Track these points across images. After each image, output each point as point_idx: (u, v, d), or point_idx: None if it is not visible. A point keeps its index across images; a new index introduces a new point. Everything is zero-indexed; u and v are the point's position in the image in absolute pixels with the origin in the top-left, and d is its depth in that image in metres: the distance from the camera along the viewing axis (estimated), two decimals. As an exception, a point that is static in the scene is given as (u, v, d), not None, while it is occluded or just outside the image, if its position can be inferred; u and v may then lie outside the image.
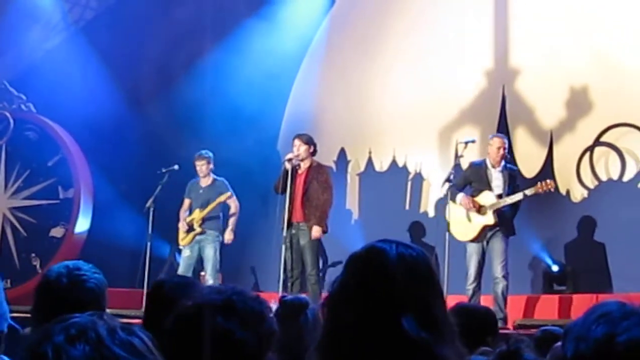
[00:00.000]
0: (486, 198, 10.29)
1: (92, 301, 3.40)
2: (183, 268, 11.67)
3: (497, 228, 10.21)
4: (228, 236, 11.74)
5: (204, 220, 11.73)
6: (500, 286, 10.09)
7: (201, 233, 11.70)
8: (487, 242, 10.27)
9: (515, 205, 10.32)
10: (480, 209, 10.27)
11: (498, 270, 10.11)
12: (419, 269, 2.14)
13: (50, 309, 3.18)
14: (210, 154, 11.93)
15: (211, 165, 11.90)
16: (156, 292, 4.09)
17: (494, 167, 10.38)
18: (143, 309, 4.45)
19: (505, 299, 10.13)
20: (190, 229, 11.76)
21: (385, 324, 2.01)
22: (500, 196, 10.24)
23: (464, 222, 10.36)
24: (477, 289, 10.22)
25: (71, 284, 3.44)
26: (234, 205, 11.85)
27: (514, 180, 10.46)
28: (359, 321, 2.02)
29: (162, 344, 1.74)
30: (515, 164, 11.50)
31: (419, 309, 2.05)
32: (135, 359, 1.60)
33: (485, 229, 10.22)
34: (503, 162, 10.42)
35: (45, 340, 1.60)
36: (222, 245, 11.87)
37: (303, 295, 4.19)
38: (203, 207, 11.74)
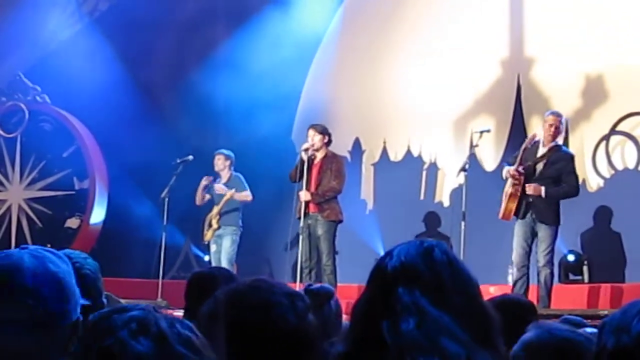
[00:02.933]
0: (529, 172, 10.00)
1: (90, 287, 3.37)
2: (214, 262, 11.80)
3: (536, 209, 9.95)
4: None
5: (220, 215, 11.79)
6: (542, 275, 9.88)
7: (218, 228, 11.79)
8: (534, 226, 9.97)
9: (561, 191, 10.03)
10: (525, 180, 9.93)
11: (539, 258, 9.89)
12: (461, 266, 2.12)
13: None
14: (231, 154, 12.01)
15: (228, 162, 11.96)
16: (194, 284, 4.10)
17: (544, 145, 10.09)
18: (184, 301, 4.42)
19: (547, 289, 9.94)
20: (210, 225, 11.86)
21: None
22: (519, 171, 9.87)
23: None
24: (521, 277, 9.91)
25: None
26: (245, 196, 11.88)
27: (560, 161, 9.96)
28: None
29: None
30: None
31: (467, 309, 2.04)
32: (195, 356, 1.59)
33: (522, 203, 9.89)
34: (555, 142, 10.00)
35: (109, 335, 1.58)
36: (241, 238, 11.93)
37: (327, 285, 4.18)
38: (218, 204, 11.84)
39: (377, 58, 14.21)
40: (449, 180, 13.10)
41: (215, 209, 11.83)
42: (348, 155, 13.81)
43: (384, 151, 14.13)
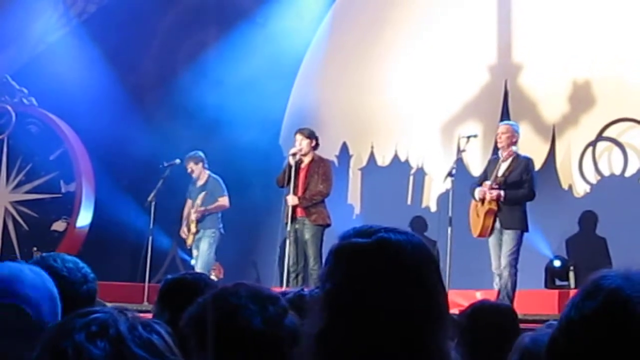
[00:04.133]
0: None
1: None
2: (197, 268, 11.74)
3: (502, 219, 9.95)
4: (198, 211, 11.74)
5: (199, 220, 11.76)
6: (504, 277, 9.92)
7: (197, 232, 11.75)
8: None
9: (518, 196, 10.01)
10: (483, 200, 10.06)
11: (502, 261, 9.93)
12: (432, 258, 2.09)
13: None
14: (199, 154, 11.96)
15: (199, 164, 11.92)
16: (169, 289, 4.10)
17: (502, 156, 10.11)
18: (154, 306, 4.43)
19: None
20: (189, 230, 11.83)
21: (397, 319, 1.96)
22: (492, 187, 9.94)
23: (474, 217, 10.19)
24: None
25: (83, 276, 3.43)
26: (221, 201, 11.84)
27: (518, 167, 10.01)
28: (369, 315, 1.97)
29: (181, 337, 1.73)
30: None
31: (432, 300, 2.01)
32: (154, 359, 1.58)
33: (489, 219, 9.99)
34: (513, 151, 10.10)
35: (66, 337, 1.58)
36: (220, 240, 11.89)
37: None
38: (194, 200, 11.81)
39: (364, 63, 14.22)
40: (436, 185, 13.12)
41: (194, 216, 11.77)
42: (335, 160, 13.82)
43: (372, 156, 14.15)
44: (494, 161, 10.21)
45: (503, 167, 10.01)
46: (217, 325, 2.31)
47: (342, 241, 2.08)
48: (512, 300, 9.76)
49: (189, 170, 11.96)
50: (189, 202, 12.00)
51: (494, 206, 9.87)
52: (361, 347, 1.94)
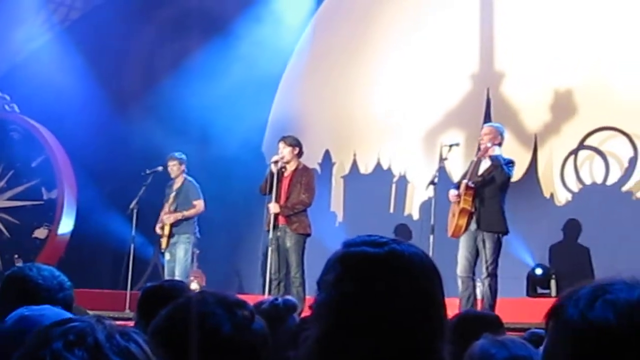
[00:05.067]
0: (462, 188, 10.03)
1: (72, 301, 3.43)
2: (167, 272, 11.69)
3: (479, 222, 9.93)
4: (173, 216, 11.72)
5: (174, 224, 11.73)
6: (485, 286, 9.89)
7: (172, 235, 11.70)
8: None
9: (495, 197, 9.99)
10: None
11: (483, 270, 9.88)
12: (434, 269, 2.11)
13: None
14: (183, 156, 11.94)
15: (183, 167, 11.90)
16: (147, 298, 4.12)
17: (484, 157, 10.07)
18: (134, 314, 4.44)
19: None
20: (164, 233, 11.79)
21: (398, 329, 1.98)
22: (469, 186, 9.91)
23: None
24: (466, 289, 9.87)
25: (58, 284, 3.45)
26: (197, 206, 11.80)
27: (490, 165, 9.86)
28: (371, 324, 1.98)
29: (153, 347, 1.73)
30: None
31: (433, 311, 2.03)
32: None
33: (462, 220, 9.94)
34: (492, 150, 10.03)
35: (44, 346, 1.58)
36: (195, 245, 11.87)
37: (292, 298, 4.17)
38: (169, 202, 11.78)
39: (347, 71, 14.25)
40: (419, 193, 13.14)
41: (168, 217, 11.74)
42: (318, 168, 13.83)
43: (354, 164, 14.17)
44: (476, 162, 10.11)
45: (483, 166, 9.96)
46: (185, 333, 2.31)
47: (349, 249, 2.08)
48: (493, 309, 9.74)
49: (169, 168, 11.90)
50: (167, 205, 11.96)
51: (468, 206, 9.82)
52: (362, 355, 1.96)
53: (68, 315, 2.46)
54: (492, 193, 9.84)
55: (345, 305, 2.00)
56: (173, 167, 11.89)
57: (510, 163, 9.99)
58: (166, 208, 11.83)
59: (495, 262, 9.80)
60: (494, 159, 9.80)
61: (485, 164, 9.92)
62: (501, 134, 10.12)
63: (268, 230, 10.73)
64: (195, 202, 11.79)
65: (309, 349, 2.03)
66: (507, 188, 9.94)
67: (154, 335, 2.36)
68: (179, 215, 11.68)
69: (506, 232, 9.90)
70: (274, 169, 10.72)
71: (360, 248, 2.07)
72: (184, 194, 11.80)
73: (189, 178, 11.94)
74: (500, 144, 10.02)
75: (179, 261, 11.62)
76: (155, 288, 4.27)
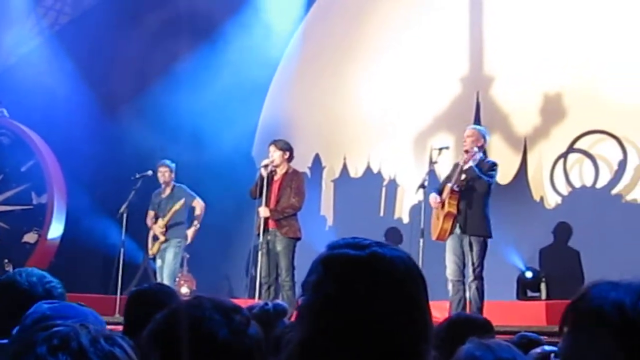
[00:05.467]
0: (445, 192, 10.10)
1: None
2: (159, 277, 11.67)
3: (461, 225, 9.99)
4: (190, 234, 11.72)
5: (167, 228, 11.72)
6: (472, 289, 9.92)
7: (165, 241, 11.70)
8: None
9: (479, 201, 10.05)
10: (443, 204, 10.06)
11: (469, 273, 9.91)
12: (417, 271, 2.10)
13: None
14: (173, 165, 11.94)
15: (172, 175, 11.90)
16: (134, 301, 4.11)
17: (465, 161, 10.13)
18: (123, 317, 4.43)
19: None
20: (156, 238, 11.78)
21: (382, 331, 1.98)
22: (453, 189, 9.97)
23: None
24: (457, 293, 9.93)
25: (45, 291, 3.44)
26: (198, 206, 11.84)
27: (478, 168, 9.92)
28: (355, 327, 1.97)
29: (142, 352, 1.73)
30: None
31: (416, 313, 2.02)
32: None
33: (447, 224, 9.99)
34: (475, 155, 10.01)
35: (28, 351, 1.58)
36: (186, 250, 11.87)
37: (282, 303, 4.17)
38: (165, 216, 11.76)
39: (336, 75, 14.26)
40: (409, 196, 13.14)
41: (161, 222, 11.74)
42: (308, 171, 13.83)
43: (344, 167, 14.17)
44: (460, 166, 10.13)
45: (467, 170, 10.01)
46: (183, 338, 2.31)
47: (332, 251, 2.08)
48: (481, 311, 9.77)
49: (159, 174, 11.90)
50: (151, 213, 11.94)
51: (453, 209, 9.88)
52: (345, 358, 1.95)
53: (87, 311, 2.52)
54: (477, 197, 9.90)
55: (326, 307, 1.99)
56: (165, 174, 11.89)
57: (493, 166, 10.07)
58: (152, 218, 11.82)
59: (481, 265, 9.87)
60: (471, 172, 9.86)
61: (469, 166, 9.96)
62: (484, 137, 10.20)
63: (258, 234, 10.74)
64: (194, 203, 11.79)
65: (291, 352, 2.03)
66: (491, 192, 10.00)
67: (149, 339, 2.36)
68: (182, 203, 11.65)
69: (490, 236, 9.97)
70: (264, 172, 10.72)
71: (343, 250, 2.06)
72: (176, 199, 11.78)
73: (177, 184, 11.94)
74: (482, 147, 10.10)
75: (167, 264, 11.62)
76: (142, 291, 4.27)
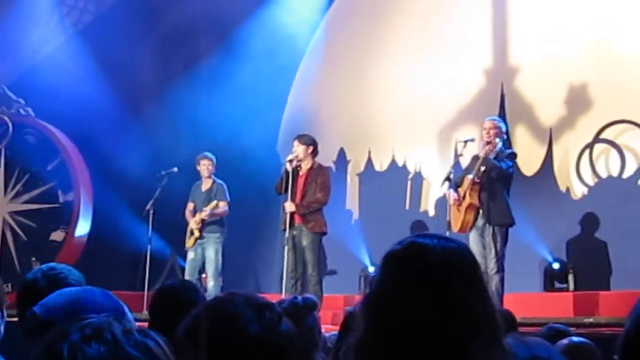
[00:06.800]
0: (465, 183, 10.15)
1: None
2: (189, 270, 11.68)
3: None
4: (203, 213, 11.66)
5: (204, 223, 11.69)
6: (493, 282, 9.89)
7: (200, 237, 11.67)
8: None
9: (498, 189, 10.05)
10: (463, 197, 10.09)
11: (490, 265, 9.91)
12: (463, 264, 2.09)
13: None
14: (214, 158, 11.92)
15: (213, 168, 11.88)
16: (159, 297, 4.12)
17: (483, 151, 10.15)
18: (147, 313, 4.45)
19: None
20: (192, 232, 11.76)
21: (424, 327, 1.97)
22: (474, 181, 10.01)
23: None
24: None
25: (50, 283, 3.44)
26: (221, 206, 11.73)
27: (496, 159, 9.97)
28: (399, 324, 1.98)
29: (177, 349, 1.74)
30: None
31: (461, 308, 2.01)
32: None
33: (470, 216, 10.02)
34: (495, 146, 10.04)
35: (61, 339, 1.60)
36: (228, 249, 11.85)
37: (311, 296, 4.18)
38: (201, 212, 11.75)
39: (361, 69, 14.24)
40: (434, 189, 13.13)
41: (198, 217, 11.72)
42: (333, 166, 13.82)
43: (369, 161, 14.16)
44: (481, 158, 10.13)
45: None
46: (213, 334, 2.32)
47: (395, 247, 2.13)
48: (502, 303, 9.76)
49: (201, 167, 11.86)
50: (191, 205, 11.92)
51: (475, 201, 9.90)
52: (397, 353, 1.96)
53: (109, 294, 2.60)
54: (497, 187, 9.92)
55: (374, 305, 2.02)
56: (208, 167, 11.83)
57: (511, 155, 10.11)
58: (191, 210, 11.80)
59: (504, 255, 9.88)
60: (489, 162, 9.90)
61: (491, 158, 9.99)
62: (503, 127, 10.26)
63: (284, 230, 10.75)
64: (220, 204, 11.73)
65: (351, 347, 2.05)
66: (511, 181, 10.06)
67: (183, 334, 2.38)
68: (206, 215, 11.62)
69: (513, 223, 10.01)
70: (289, 167, 10.73)
71: (393, 246, 2.11)
72: (213, 197, 11.75)
73: (218, 180, 11.92)
74: (502, 138, 10.13)
75: (210, 261, 11.59)
76: (167, 288, 4.28)
